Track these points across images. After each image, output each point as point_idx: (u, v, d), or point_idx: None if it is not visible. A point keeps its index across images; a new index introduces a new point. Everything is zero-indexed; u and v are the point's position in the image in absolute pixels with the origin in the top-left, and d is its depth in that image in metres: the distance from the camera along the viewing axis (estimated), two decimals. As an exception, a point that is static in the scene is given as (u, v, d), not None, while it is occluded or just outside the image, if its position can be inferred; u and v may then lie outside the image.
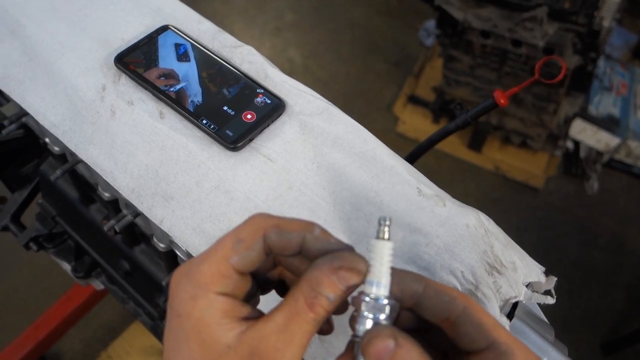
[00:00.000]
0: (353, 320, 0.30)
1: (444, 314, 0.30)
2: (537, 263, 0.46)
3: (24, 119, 0.62)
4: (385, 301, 0.29)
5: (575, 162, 1.89)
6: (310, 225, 0.30)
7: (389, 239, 0.30)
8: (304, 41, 2.29)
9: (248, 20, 2.38)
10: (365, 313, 0.29)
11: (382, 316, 0.29)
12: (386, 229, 0.30)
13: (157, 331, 0.79)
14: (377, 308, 0.29)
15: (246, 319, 0.29)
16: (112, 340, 1.46)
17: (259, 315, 0.30)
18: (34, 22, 0.57)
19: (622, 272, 1.70)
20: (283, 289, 0.34)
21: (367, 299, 0.29)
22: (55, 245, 0.88)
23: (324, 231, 0.30)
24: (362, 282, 0.29)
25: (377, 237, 0.30)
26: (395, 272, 0.30)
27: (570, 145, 1.88)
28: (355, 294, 0.30)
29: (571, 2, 1.40)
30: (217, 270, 0.28)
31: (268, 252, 0.30)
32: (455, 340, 0.30)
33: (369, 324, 0.29)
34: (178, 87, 0.51)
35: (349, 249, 0.30)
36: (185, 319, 0.28)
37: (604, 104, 1.87)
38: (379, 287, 0.29)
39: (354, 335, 0.29)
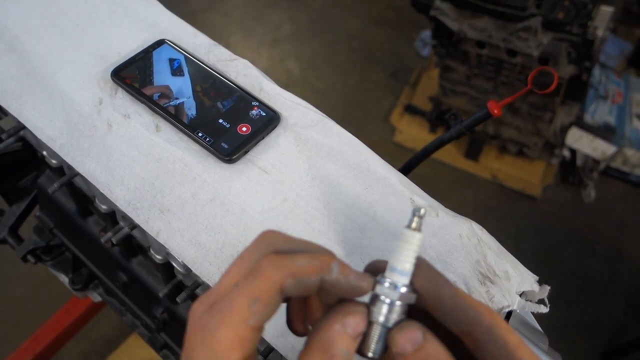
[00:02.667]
0: (371, 302, 0.29)
1: (468, 327, 0.29)
2: (530, 272, 0.47)
3: (21, 133, 0.63)
4: (404, 289, 0.29)
5: (572, 171, 1.89)
6: (327, 265, 0.28)
7: (419, 230, 0.29)
8: (302, 52, 2.31)
9: (246, 32, 2.40)
10: (382, 297, 0.29)
11: (398, 303, 0.29)
12: (419, 219, 0.29)
13: (155, 343, 0.79)
14: (394, 294, 0.29)
15: None
16: (110, 353, 1.46)
17: None
18: (31, 37, 0.58)
19: (620, 280, 1.70)
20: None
21: (386, 283, 0.29)
22: (52, 258, 0.88)
23: (342, 266, 0.29)
24: (365, 324, 0.29)
25: (408, 227, 0.30)
26: (429, 270, 0.30)
27: (566, 153, 1.89)
28: (377, 278, 0.30)
29: (565, 13, 1.41)
30: (236, 335, 0.27)
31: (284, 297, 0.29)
32: (476, 355, 0.29)
33: (384, 308, 0.29)
34: (172, 101, 0.52)
35: (368, 281, 0.29)
36: None
37: (600, 112, 1.88)
38: (401, 274, 0.29)
39: (369, 319, 0.29)
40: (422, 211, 0.29)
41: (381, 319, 0.29)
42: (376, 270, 0.30)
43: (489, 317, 0.29)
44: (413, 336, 0.28)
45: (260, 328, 0.28)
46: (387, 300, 0.29)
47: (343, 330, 0.28)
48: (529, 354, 0.29)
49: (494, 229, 0.46)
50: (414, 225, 0.29)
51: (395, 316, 0.29)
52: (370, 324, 0.29)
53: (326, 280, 0.28)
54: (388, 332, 0.29)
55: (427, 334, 0.28)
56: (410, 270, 0.29)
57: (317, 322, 0.29)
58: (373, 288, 0.29)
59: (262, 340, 0.45)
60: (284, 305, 0.31)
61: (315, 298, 0.31)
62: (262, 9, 2.48)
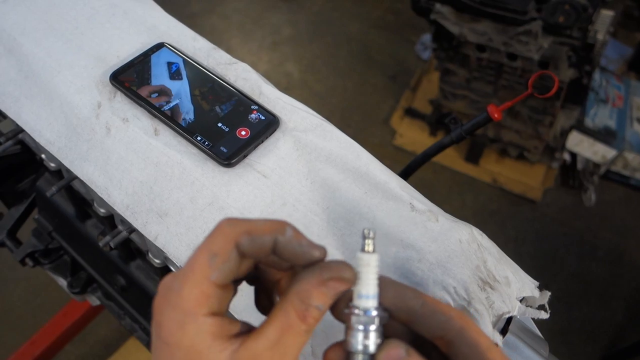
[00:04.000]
0: (346, 334, 0.30)
1: (440, 332, 0.30)
2: (530, 277, 0.46)
3: (20, 136, 0.62)
4: (375, 312, 0.30)
5: (572, 174, 1.89)
6: (281, 226, 0.29)
7: (373, 251, 0.30)
8: (301, 55, 2.31)
9: (245, 35, 2.40)
10: (356, 325, 0.30)
11: (372, 327, 0.30)
12: (370, 241, 0.30)
13: (153, 347, 0.79)
14: (367, 320, 0.29)
15: (236, 335, 0.29)
16: (109, 356, 1.45)
17: (248, 329, 0.30)
18: (30, 40, 0.57)
19: (621, 284, 1.69)
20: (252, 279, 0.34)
21: (356, 311, 0.30)
22: (51, 261, 0.88)
23: (296, 231, 0.30)
24: (350, 287, 0.30)
25: (362, 250, 0.30)
26: (394, 286, 0.31)
27: (567, 157, 1.88)
28: (345, 310, 0.30)
29: (565, 16, 1.41)
30: (199, 292, 0.28)
31: (242, 257, 0.29)
32: (450, 358, 0.30)
33: (360, 335, 0.29)
34: (171, 105, 0.52)
35: (320, 250, 0.30)
36: (175, 349, 0.28)
37: (600, 116, 1.88)
38: (368, 299, 0.30)
39: (347, 350, 0.30)
40: (371, 233, 0.30)
41: (360, 347, 0.30)
42: (346, 300, 0.31)
43: (459, 320, 0.30)
44: (396, 353, 0.29)
45: (225, 286, 0.29)
46: (361, 327, 0.30)
47: (324, 290, 0.29)
48: (500, 356, 0.30)
49: (494, 232, 0.46)
50: (368, 247, 0.30)
51: (373, 340, 0.30)
52: (350, 354, 0.30)
53: (279, 241, 0.29)
54: (371, 358, 0.30)
55: (409, 350, 0.29)
56: (376, 292, 0.30)
57: (296, 275, 0.30)
58: (347, 319, 0.30)
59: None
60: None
61: (286, 279, 0.32)
62: (262, 12, 2.48)
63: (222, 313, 0.29)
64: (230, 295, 0.30)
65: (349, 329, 0.30)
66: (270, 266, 0.32)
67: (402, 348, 0.29)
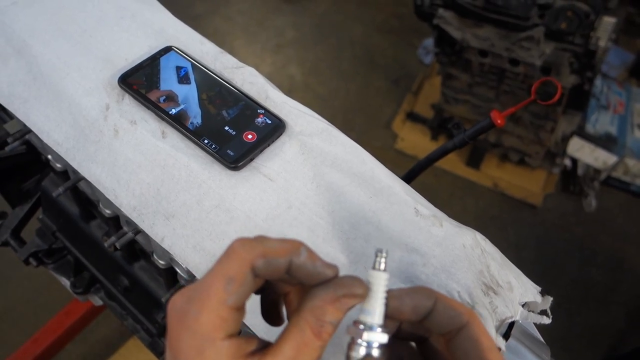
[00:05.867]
0: (349, 348, 0.31)
1: (448, 327, 0.31)
2: (533, 283, 0.47)
3: (27, 136, 0.63)
4: (379, 329, 0.31)
5: (573, 180, 1.90)
6: (296, 248, 0.30)
7: (384, 270, 0.31)
8: (305, 58, 2.31)
9: (249, 37, 2.40)
10: (359, 341, 0.30)
11: (375, 343, 0.30)
12: (383, 259, 0.31)
13: (156, 348, 0.79)
14: (370, 336, 0.30)
15: (253, 353, 0.29)
16: (110, 356, 1.45)
17: (264, 345, 0.30)
18: (40, 41, 0.58)
19: (621, 290, 1.70)
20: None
21: (361, 326, 0.31)
22: (54, 261, 0.88)
23: (310, 252, 0.30)
24: (362, 301, 0.30)
25: (374, 268, 0.31)
26: (408, 295, 0.31)
27: (568, 162, 1.89)
28: (350, 324, 0.31)
29: (568, 23, 1.42)
30: (217, 317, 0.28)
31: (257, 278, 0.30)
32: (451, 352, 0.31)
33: (362, 351, 0.30)
34: (179, 108, 0.52)
35: (334, 269, 0.30)
36: None
37: (602, 122, 1.89)
38: (374, 315, 0.31)
39: None
40: (384, 252, 0.32)
41: None
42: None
43: (467, 315, 0.31)
44: None
45: (240, 308, 0.29)
46: (364, 343, 0.30)
47: (338, 306, 0.29)
48: (499, 358, 0.30)
49: (495, 237, 0.47)
50: (379, 266, 0.31)
51: (375, 356, 0.30)
52: None
53: (294, 262, 0.30)
54: None
55: None
56: (382, 310, 0.31)
57: (309, 292, 0.30)
58: (351, 332, 0.31)
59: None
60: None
61: (295, 292, 0.33)
62: (266, 14, 2.49)
63: (238, 332, 0.30)
64: (243, 314, 0.31)
65: (352, 343, 0.31)
66: (280, 281, 0.33)
67: None
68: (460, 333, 0.31)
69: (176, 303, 0.29)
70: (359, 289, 0.30)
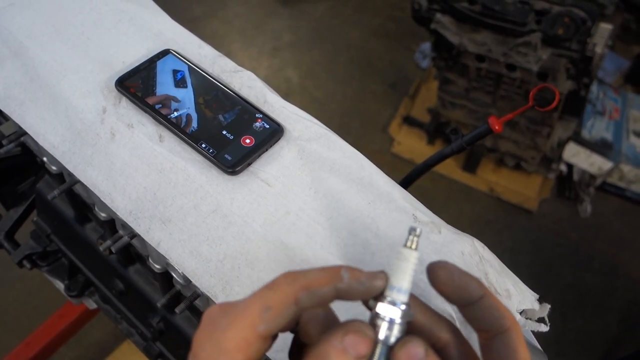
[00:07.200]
0: (371, 322, 0.30)
1: (487, 326, 0.31)
2: (531, 290, 0.47)
3: (22, 138, 0.62)
4: (403, 306, 0.30)
5: (568, 185, 1.90)
6: (336, 273, 0.30)
7: (416, 248, 0.31)
8: (302, 61, 2.31)
9: (246, 40, 2.40)
10: (382, 315, 0.30)
11: (397, 319, 0.30)
12: (415, 239, 0.31)
13: (150, 352, 0.79)
14: (394, 311, 0.30)
15: None
16: (103, 359, 1.45)
17: None
18: (36, 43, 0.58)
19: (616, 295, 1.70)
20: None
21: (385, 301, 0.30)
22: (49, 264, 0.88)
23: (352, 271, 0.30)
24: (372, 348, 0.29)
25: (405, 246, 0.31)
26: (459, 274, 0.31)
27: (563, 168, 1.89)
28: (374, 299, 0.30)
29: (565, 29, 1.43)
30: (242, 338, 0.28)
31: (302, 311, 0.30)
32: (485, 352, 0.31)
33: (385, 326, 0.29)
34: (176, 112, 0.52)
35: (381, 277, 0.30)
36: None
37: (597, 128, 1.90)
38: (400, 292, 0.30)
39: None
40: (418, 230, 0.31)
41: (382, 336, 0.29)
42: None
43: (510, 321, 0.30)
44: (415, 352, 0.29)
45: (267, 338, 0.29)
46: (387, 318, 0.30)
47: (341, 347, 0.28)
48: None
49: (491, 242, 0.47)
50: (410, 244, 0.31)
51: (395, 333, 0.29)
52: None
53: (340, 288, 0.29)
54: (389, 349, 0.29)
55: (428, 350, 0.29)
56: (409, 288, 0.30)
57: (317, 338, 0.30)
58: (374, 307, 0.30)
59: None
60: None
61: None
62: (263, 17, 2.49)
63: None
64: (270, 344, 0.30)
65: (374, 317, 0.30)
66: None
67: (422, 347, 0.29)
68: (499, 337, 0.30)
69: (212, 312, 0.30)
70: (366, 329, 0.29)
